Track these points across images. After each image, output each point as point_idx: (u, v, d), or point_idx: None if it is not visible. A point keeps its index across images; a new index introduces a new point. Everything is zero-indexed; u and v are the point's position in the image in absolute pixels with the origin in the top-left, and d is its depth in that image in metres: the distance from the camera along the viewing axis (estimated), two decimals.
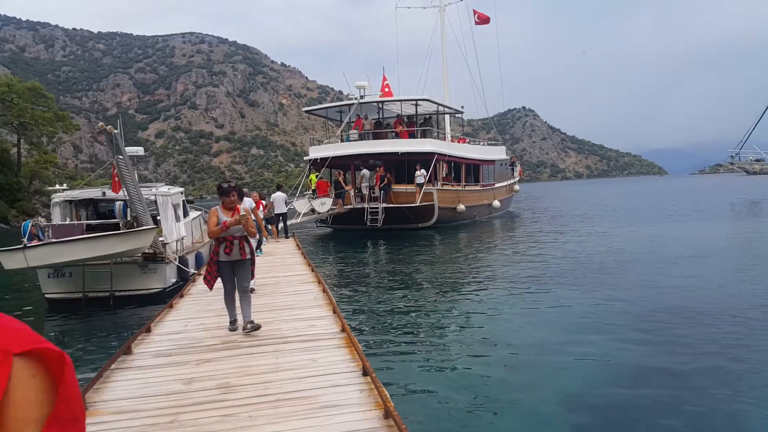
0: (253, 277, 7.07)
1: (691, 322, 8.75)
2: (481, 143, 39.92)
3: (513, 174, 40.53)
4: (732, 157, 54.22)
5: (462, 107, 34.99)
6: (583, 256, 15.98)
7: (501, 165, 37.48)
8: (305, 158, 30.38)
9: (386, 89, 32.01)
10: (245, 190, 17.11)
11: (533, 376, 6.73)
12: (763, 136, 59.04)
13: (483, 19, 39.08)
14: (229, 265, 6.63)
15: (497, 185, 35.22)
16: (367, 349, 7.59)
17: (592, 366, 7.06)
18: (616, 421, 5.63)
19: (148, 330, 6.80)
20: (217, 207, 6.75)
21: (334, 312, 7.30)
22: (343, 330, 6.40)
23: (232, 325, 6.68)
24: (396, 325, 9.41)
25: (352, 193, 27.10)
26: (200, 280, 10.93)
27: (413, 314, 10.07)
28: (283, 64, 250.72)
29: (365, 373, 4.84)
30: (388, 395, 4.31)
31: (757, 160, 53.07)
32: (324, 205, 23.93)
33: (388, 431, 3.72)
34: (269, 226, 17.94)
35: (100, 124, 11.20)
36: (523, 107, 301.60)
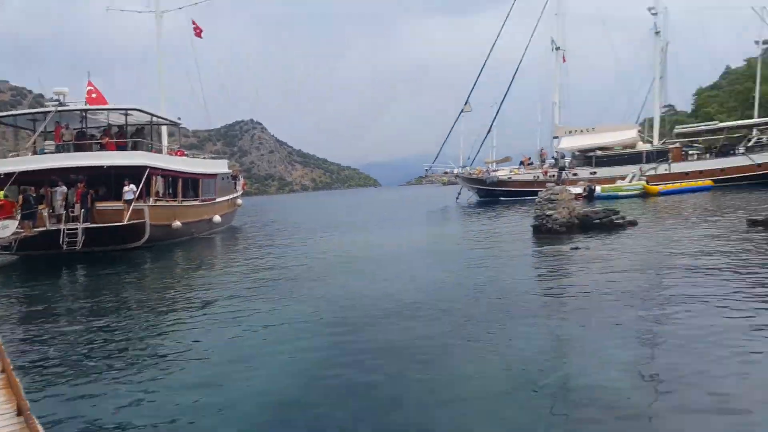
0: None
1: (382, 321, 10.00)
2: (203, 156, 39.20)
3: (236, 188, 40.77)
4: (426, 170, 62.56)
5: (179, 118, 33.95)
6: (293, 267, 17.00)
7: (223, 179, 37.39)
8: None
9: (93, 95, 29.28)
10: None
11: (227, 383, 7.11)
12: (456, 149, 72.81)
13: (198, 32, 38.86)
14: None
15: (219, 199, 35.03)
16: (34, 385, 7.08)
17: (283, 370, 7.68)
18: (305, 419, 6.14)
19: None
20: None
21: None
22: (3, 371, 5.86)
23: None
24: (81, 354, 8.79)
25: (45, 213, 23.85)
26: None
27: (104, 342, 9.52)
28: None
29: (20, 413, 4.61)
30: None
31: (445, 173, 61.80)
32: (6, 229, 20.52)
33: None
34: None
35: None
36: (251, 120, 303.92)
